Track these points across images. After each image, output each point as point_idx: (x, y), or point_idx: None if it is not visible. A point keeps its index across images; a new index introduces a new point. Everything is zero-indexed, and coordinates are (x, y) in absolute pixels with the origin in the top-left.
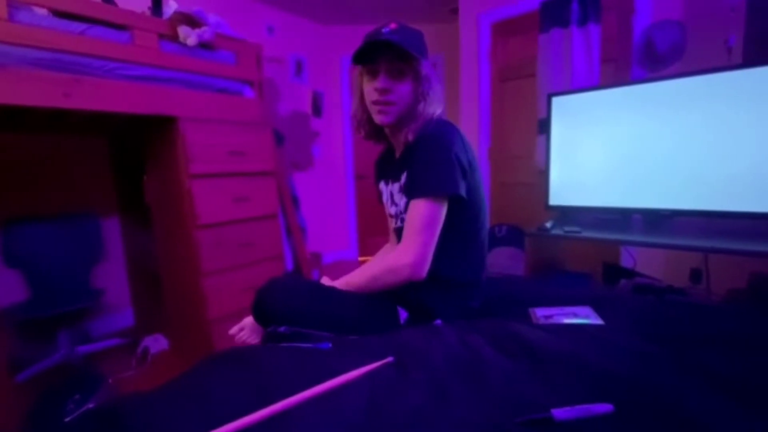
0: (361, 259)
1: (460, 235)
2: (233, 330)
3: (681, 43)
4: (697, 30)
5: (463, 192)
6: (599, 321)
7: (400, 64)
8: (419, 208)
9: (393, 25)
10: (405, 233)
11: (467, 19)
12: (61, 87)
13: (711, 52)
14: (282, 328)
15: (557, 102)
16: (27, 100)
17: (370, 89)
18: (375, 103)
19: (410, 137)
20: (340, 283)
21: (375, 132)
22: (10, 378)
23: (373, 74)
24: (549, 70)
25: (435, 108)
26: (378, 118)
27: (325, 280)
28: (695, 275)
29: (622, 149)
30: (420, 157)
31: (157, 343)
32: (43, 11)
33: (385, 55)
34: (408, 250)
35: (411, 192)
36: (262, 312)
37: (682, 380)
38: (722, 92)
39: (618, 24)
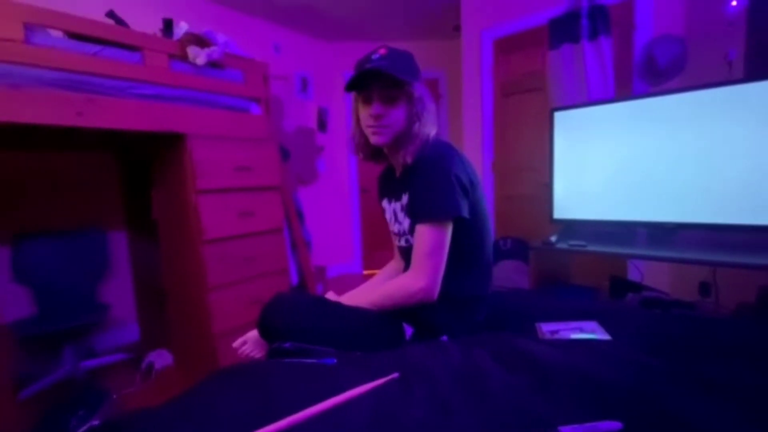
0: (365, 272)
1: (465, 253)
2: (236, 343)
3: (682, 57)
4: (697, 44)
5: (465, 213)
6: (606, 336)
7: (392, 90)
8: (425, 233)
9: (382, 51)
10: (414, 257)
11: (470, 36)
12: (74, 106)
13: (712, 67)
14: (287, 344)
15: (559, 117)
16: (41, 119)
17: (365, 115)
18: (370, 126)
19: (408, 159)
20: (347, 299)
21: (373, 153)
22: (15, 395)
23: (367, 101)
24: (562, 86)
25: (430, 128)
26: (373, 139)
27: (331, 295)
28: (704, 288)
29: (625, 163)
30: (421, 182)
31: (161, 359)
32: (59, 33)
33: (377, 82)
34: (419, 275)
35: (415, 216)
36: (267, 328)
37: (691, 396)
38: (724, 106)
39: (619, 39)
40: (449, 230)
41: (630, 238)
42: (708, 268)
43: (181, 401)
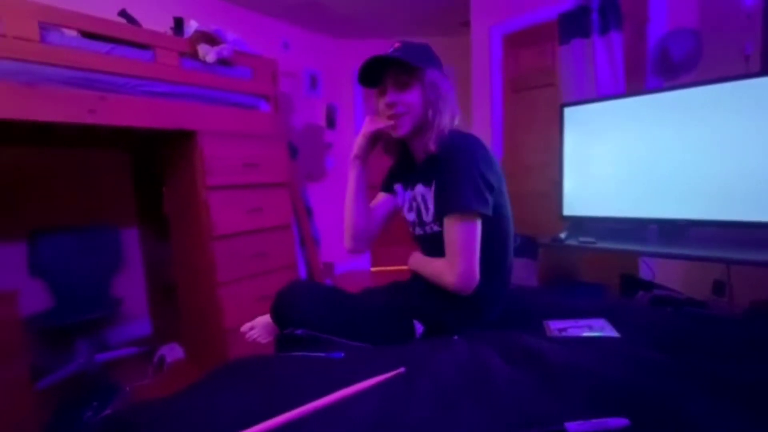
0: (373, 269)
1: (485, 253)
2: (245, 327)
3: (697, 51)
4: (713, 38)
5: (489, 211)
6: (615, 333)
7: (404, 76)
8: (456, 227)
9: (397, 44)
10: (447, 252)
11: (479, 31)
12: (87, 104)
13: (728, 61)
14: (299, 331)
15: (569, 112)
16: (56, 117)
17: (382, 106)
18: (388, 117)
19: (431, 147)
20: (414, 259)
21: (392, 145)
22: (32, 385)
23: (383, 92)
24: (572, 81)
25: (448, 115)
26: (394, 133)
27: (415, 256)
28: (718, 287)
29: (636, 158)
30: (450, 174)
31: (173, 352)
32: (73, 33)
33: (390, 71)
34: (452, 269)
35: (444, 210)
36: (281, 313)
37: (700, 395)
38: (740, 100)
39: (633, 33)
40: (478, 223)
41: (641, 235)
42: (722, 267)
43: (188, 393)
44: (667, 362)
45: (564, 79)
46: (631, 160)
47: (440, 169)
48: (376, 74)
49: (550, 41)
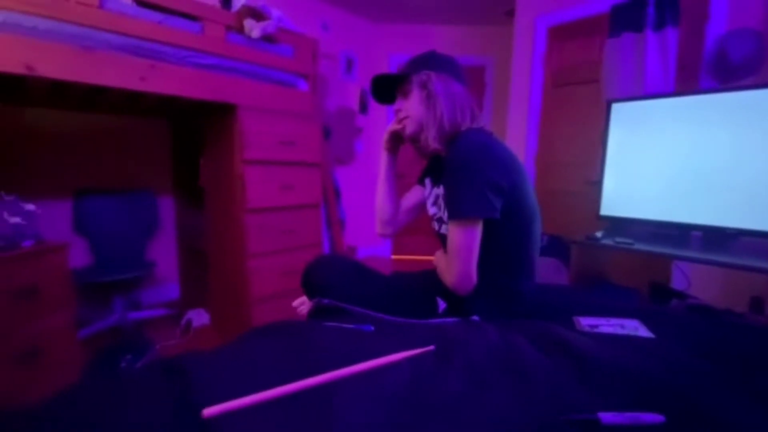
0: (394, 257)
1: (501, 250)
2: (296, 302)
3: (758, 54)
4: None
5: (496, 214)
6: (649, 334)
7: (405, 85)
8: (454, 232)
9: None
10: (448, 253)
11: (523, 22)
12: (138, 71)
13: None
14: (325, 300)
15: (617, 109)
16: (110, 81)
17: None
18: (397, 122)
19: (433, 145)
20: (437, 254)
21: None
22: (75, 333)
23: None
24: (617, 76)
25: (446, 113)
26: (403, 134)
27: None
28: (756, 303)
29: (683, 161)
30: (451, 179)
31: (199, 317)
32: (128, 0)
33: (395, 85)
34: (450, 270)
35: (448, 214)
36: (308, 283)
37: (738, 401)
38: None
39: (688, 30)
40: (478, 228)
41: (683, 241)
42: (762, 283)
43: (230, 348)
44: (706, 367)
45: (608, 74)
46: (678, 162)
47: (446, 174)
48: (392, 91)
49: (598, 36)
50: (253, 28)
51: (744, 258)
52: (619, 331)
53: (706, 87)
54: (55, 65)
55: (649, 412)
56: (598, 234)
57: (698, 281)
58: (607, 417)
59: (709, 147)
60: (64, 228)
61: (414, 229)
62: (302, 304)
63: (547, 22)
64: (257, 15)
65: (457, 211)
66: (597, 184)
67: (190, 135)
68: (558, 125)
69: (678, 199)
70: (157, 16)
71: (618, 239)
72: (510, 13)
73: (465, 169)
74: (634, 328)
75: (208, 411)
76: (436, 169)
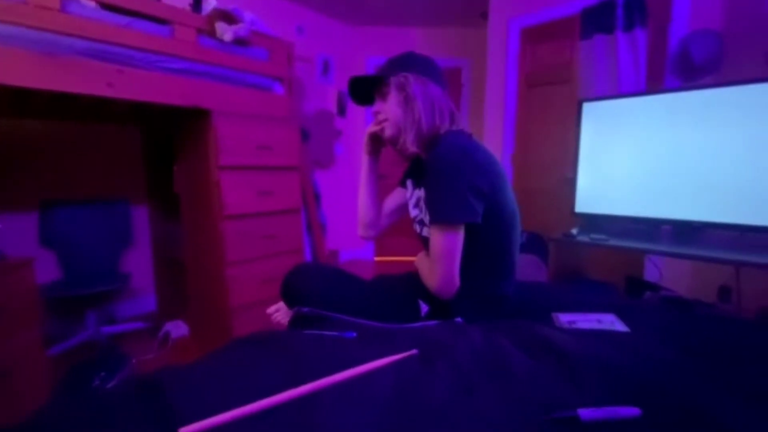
0: (377, 258)
1: (483, 254)
2: (270, 309)
3: (718, 54)
4: (736, 40)
5: (477, 219)
6: (625, 328)
7: (383, 87)
8: (436, 236)
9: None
10: (430, 257)
11: (497, 23)
12: (105, 77)
13: (750, 63)
14: (305, 309)
15: (588, 108)
16: (74, 87)
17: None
18: (376, 124)
19: (411, 148)
20: (418, 256)
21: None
22: (44, 350)
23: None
24: (592, 77)
25: (424, 116)
26: (382, 136)
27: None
28: (723, 293)
29: (653, 158)
30: (433, 184)
31: (178, 329)
32: (92, 3)
33: (373, 88)
34: (432, 275)
35: (429, 218)
36: (288, 292)
37: (713, 392)
38: (760, 103)
39: (654, 32)
40: (460, 233)
41: (653, 235)
42: (730, 272)
43: (208, 361)
44: (680, 359)
45: (583, 76)
46: (648, 159)
47: (427, 177)
48: (370, 92)
49: (569, 37)
50: (225, 32)
51: (711, 250)
52: (596, 326)
53: (671, 86)
54: (15, 72)
55: (625, 406)
56: (574, 231)
57: (669, 273)
58: (585, 413)
59: (676, 144)
60: (30, 242)
61: (396, 230)
62: (277, 310)
63: (520, 24)
64: (229, 18)
65: (439, 215)
66: (571, 182)
67: (163, 141)
68: (533, 125)
69: (648, 194)
70: (123, 19)
71: (593, 235)
72: (484, 15)
73: (446, 173)
74: (611, 322)
75: (184, 430)
76: (417, 170)
